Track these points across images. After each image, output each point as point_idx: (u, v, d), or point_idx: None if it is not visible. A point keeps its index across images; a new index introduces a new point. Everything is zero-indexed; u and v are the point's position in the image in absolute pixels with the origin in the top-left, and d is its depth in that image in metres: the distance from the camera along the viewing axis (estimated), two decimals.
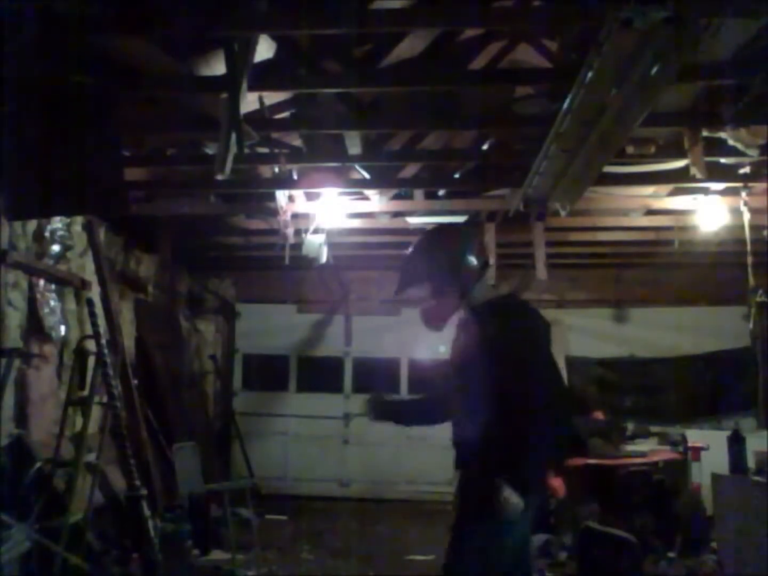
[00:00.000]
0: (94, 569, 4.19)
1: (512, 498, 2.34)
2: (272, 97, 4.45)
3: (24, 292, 4.72)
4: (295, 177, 5.28)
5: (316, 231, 6.14)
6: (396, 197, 6.04)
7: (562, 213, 4.92)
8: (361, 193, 5.88)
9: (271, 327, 9.10)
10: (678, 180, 5.11)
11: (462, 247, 2.69)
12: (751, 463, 4.61)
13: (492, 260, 7.02)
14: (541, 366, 2.50)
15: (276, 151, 4.88)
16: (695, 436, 6.27)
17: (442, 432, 2.78)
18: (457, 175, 5.90)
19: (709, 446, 5.83)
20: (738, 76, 3.65)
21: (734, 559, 4.64)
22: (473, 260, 2.67)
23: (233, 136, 3.77)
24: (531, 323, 2.59)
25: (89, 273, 5.47)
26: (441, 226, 3.39)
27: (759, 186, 5.10)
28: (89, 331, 4.85)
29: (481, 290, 2.68)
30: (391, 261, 7.15)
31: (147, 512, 4.42)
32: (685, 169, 4.66)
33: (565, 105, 3.41)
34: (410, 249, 2.86)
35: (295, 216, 5.87)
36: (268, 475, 8.08)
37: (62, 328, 5.14)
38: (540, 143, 4.00)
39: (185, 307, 8.40)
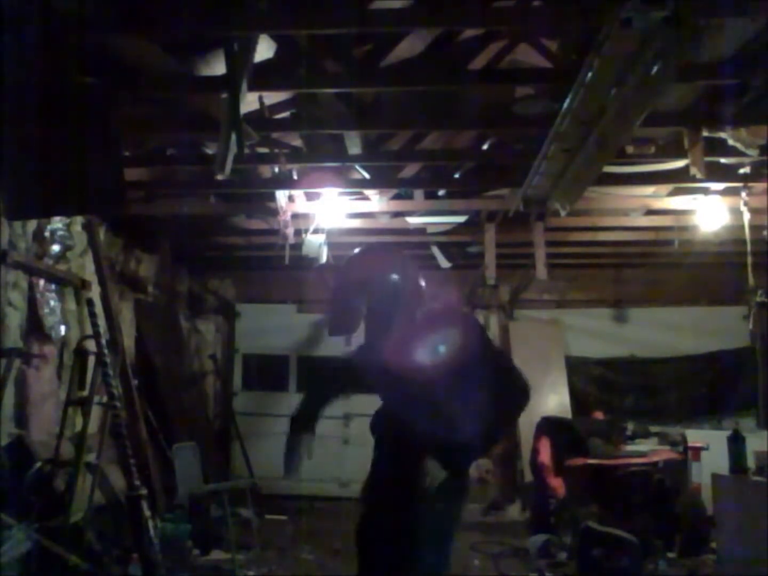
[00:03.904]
0: (94, 569, 4.19)
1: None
2: (272, 97, 4.45)
3: (24, 292, 4.72)
4: (295, 177, 5.27)
5: (316, 231, 6.14)
6: (396, 197, 6.04)
7: (562, 213, 4.92)
8: (361, 193, 5.87)
9: (271, 327, 9.07)
10: (678, 180, 5.11)
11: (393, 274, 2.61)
12: (751, 463, 4.62)
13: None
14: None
15: (276, 151, 4.88)
16: (695, 436, 6.27)
17: None
18: (457, 175, 5.90)
19: (709, 446, 5.84)
20: (738, 76, 3.65)
21: (734, 559, 4.64)
22: (404, 285, 2.60)
23: (233, 136, 3.77)
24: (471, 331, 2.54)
25: (89, 273, 5.48)
26: (363, 254, 2.96)
27: (759, 186, 5.10)
28: (89, 331, 4.85)
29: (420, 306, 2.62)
30: None
31: (147, 512, 4.41)
32: (685, 169, 4.65)
33: (565, 105, 3.41)
34: (336, 282, 2.76)
35: (295, 216, 5.86)
36: (268, 475, 8.03)
37: (62, 328, 5.15)
38: (540, 143, 4.00)
39: (185, 307, 8.40)
